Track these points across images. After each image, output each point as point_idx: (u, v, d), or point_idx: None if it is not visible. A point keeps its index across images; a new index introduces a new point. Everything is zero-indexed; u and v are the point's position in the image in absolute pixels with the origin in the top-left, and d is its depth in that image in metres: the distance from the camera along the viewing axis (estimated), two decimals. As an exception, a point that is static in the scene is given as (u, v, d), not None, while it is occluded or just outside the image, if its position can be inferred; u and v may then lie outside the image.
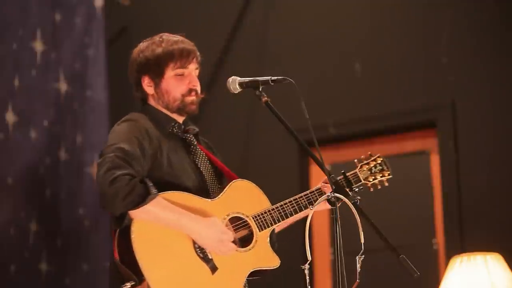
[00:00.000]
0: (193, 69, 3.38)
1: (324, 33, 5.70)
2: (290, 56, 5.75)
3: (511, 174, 5.03)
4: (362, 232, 2.71)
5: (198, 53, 3.43)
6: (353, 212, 2.78)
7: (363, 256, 2.71)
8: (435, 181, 5.33)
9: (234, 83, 3.14)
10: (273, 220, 3.29)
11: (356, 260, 2.71)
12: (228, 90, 3.16)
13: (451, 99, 5.26)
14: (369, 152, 3.55)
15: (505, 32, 5.18)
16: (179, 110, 3.38)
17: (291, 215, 3.33)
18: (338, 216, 2.75)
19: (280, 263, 3.25)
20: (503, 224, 4.98)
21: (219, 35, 5.96)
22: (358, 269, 2.70)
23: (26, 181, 4.97)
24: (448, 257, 4.61)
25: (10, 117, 4.92)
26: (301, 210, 3.35)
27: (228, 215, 3.25)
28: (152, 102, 3.40)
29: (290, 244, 4.61)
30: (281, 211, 3.32)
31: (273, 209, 3.31)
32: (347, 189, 3.42)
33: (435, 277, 4.91)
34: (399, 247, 2.79)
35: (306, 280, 2.75)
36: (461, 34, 5.31)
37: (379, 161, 3.57)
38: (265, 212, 3.30)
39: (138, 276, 3.04)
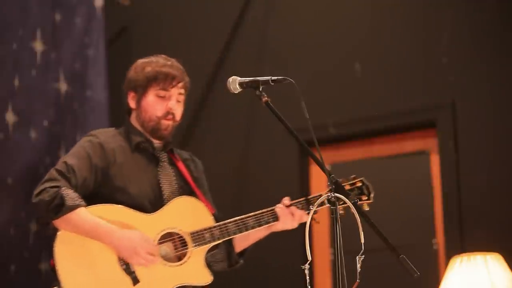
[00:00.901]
0: (175, 93, 3.48)
1: (324, 33, 5.70)
2: (290, 56, 5.75)
3: (511, 174, 5.03)
4: (362, 232, 2.71)
5: (186, 79, 3.53)
6: (353, 212, 2.78)
7: (363, 256, 2.71)
8: (435, 181, 5.33)
9: (234, 83, 3.14)
10: (213, 238, 3.35)
11: (356, 260, 2.71)
12: (228, 90, 3.16)
13: (451, 99, 5.26)
14: (353, 175, 3.52)
15: (505, 32, 5.18)
16: (152, 132, 3.48)
17: (235, 234, 3.38)
18: (338, 216, 2.75)
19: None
20: (503, 224, 4.98)
21: (219, 34, 5.96)
22: (358, 269, 2.70)
23: (26, 181, 4.96)
24: (448, 257, 4.61)
25: (10, 117, 4.92)
26: (247, 229, 3.40)
27: (163, 230, 3.31)
28: (132, 116, 3.54)
29: (290, 244, 4.61)
30: (223, 229, 3.36)
31: (214, 227, 3.36)
32: (306, 212, 3.44)
33: (435, 277, 4.91)
34: (399, 247, 2.79)
35: (306, 280, 2.75)
36: (461, 34, 5.31)
37: (359, 185, 3.55)
38: (205, 230, 3.34)
39: (59, 283, 3.18)
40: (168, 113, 3.45)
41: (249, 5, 5.95)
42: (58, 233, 3.23)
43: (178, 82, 3.48)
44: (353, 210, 2.77)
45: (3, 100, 4.91)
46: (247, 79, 3.12)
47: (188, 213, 3.37)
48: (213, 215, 3.43)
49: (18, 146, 4.94)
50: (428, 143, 5.42)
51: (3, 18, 4.96)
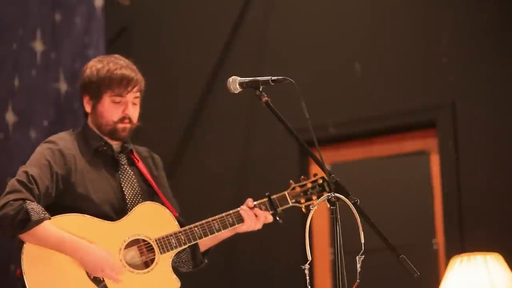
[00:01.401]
0: (131, 98, 3.43)
1: (324, 33, 5.70)
2: (290, 56, 5.74)
3: (511, 174, 5.03)
4: (362, 232, 2.71)
5: (140, 82, 3.47)
6: (353, 212, 2.78)
7: (363, 256, 2.70)
8: (435, 181, 5.33)
9: (234, 83, 3.13)
10: (179, 242, 3.34)
11: (356, 260, 2.71)
12: (228, 90, 3.15)
13: (451, 99, 5.26)
14: (315, 173, 3.51)
15: (505, 32, 5.18)
16: (110, 134, 3.46)
17: (200, 237, 3.38)
18: (338, 216, 2.75)
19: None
20: (503, 224, 4.98)
21: (219, 34, 5.96)
22: (358, 269, 2.70)
23: (26, 181, 4.97)
24: (448, 257, 4.61)
25: (10, 117, 4.92)
26: (212, 233, 3.40)
27: (128, 238, 3.31)
28: (89, 119, 3.50)
29: (290, 244, 4.61)
30: (189, 233, 3.36)
31: (180, 232, 3.36)
32: (271, 212, 3.44)
33: (435, 277, 4.91)
34: (399, 247, 2.79)
35: (306, 280, 2.75)
36: (461, 34, 5.31)
37: (320, 182, 3.54)
38: (171, 235, 3.34)
39: None
40: (125, 118, 3.43)
41: (249, 5, 5.95)
42: (25, 245, 3.22)
43: (133, 87, 3.42)
44: (353, 210, 2.77)
45: (3, 100, 4.91)
46: (247, 79, 3.11)
47: (152, 219, 3.37)
48: (176, 218, 3.43)
49: (18, 146, 4.94)
50: (428, 143, 5.42)
51: (3, 18, 4.96)
